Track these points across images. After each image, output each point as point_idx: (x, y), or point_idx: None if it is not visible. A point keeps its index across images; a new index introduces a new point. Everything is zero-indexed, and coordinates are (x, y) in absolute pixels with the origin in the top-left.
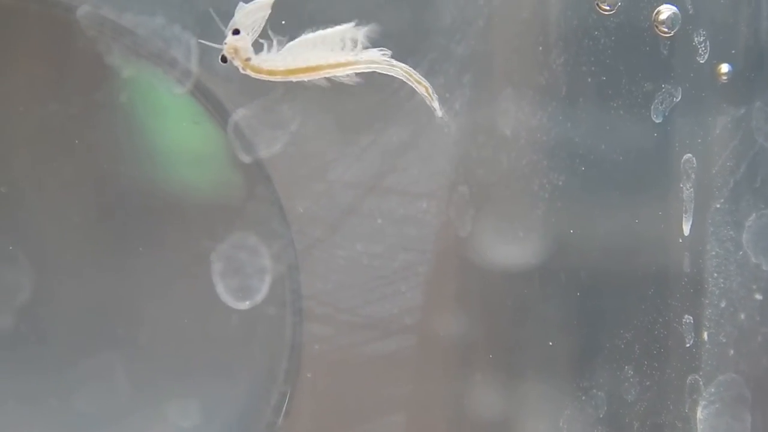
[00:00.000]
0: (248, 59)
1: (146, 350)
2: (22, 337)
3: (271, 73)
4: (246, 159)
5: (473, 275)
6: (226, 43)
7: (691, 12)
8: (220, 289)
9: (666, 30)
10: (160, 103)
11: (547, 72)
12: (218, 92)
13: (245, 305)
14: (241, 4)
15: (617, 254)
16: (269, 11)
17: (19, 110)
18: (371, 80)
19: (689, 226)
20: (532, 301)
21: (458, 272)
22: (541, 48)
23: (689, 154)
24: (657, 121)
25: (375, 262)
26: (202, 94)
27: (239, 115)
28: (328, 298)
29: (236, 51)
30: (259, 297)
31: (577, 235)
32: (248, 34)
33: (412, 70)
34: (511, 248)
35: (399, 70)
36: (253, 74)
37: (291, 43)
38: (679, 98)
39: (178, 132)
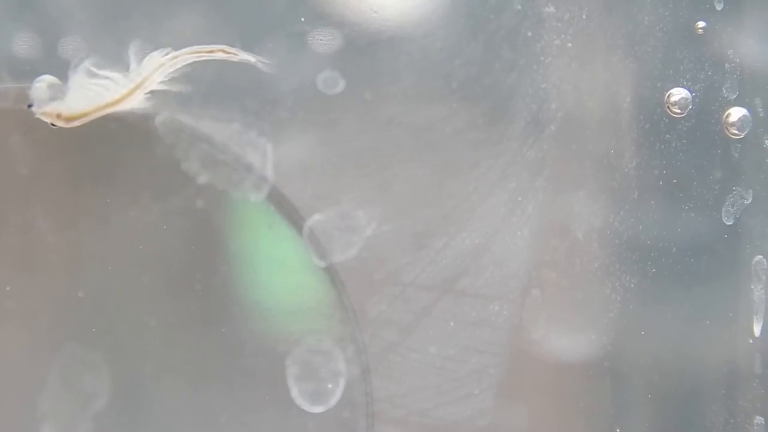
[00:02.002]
0: (59, 114)
1: None
2: None
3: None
4: (320, 264)
5: (546, 377)
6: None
7: (761, 114)
8: (295, 393)
9: (736, 132)
10: (236, 209)
11: (619, 175)
12: (293, 197)
13: (320, 409)
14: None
15: (688, 355)
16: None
17: (99, 217)
18: (445, 184)
19: (760, 328)
20: (604, 402)
21: (531, 375)
22: (613, 152)
23: (760, 256)
24: (728, 223)
25: (448, 364)
26: (277, 199)
27: (314, 220)
28: (402, 401)
29: (58, 115)
30: (333, 400)
31: (648, 337)
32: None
33: (197, 47)
34: (583, 351)
35: (186, 55)
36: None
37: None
38: (750, 200)
39: (253, 237)
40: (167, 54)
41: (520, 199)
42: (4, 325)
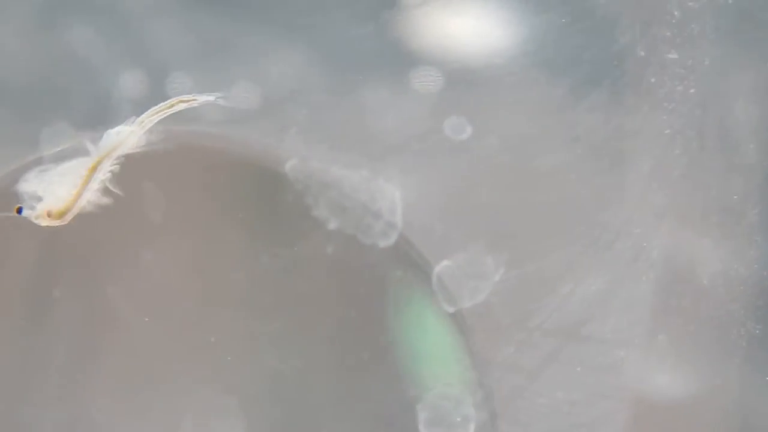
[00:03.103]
0: (49, 212)
1: None
2: None
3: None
4: (449, 309)
5: (674, 422)
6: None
7: None
8: None
9: None
10: (365, 256)
11: (744, 221)
12: (421, 244)
13: None
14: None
15: None
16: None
17: (233, 262)
18: (570, 230)
19: None
20: None
21: (659, 420)
22: (736, 197)
23: None
24: None
25: (575, 409)
26: (405, 245)
27: (442, 266)
28: None
29: (49, 213)
30: None
31: None
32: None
33: (157, 107)
34: (709, 396)
35: (150, 117)
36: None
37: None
38: None
39: (382, 283)
40: (132, 123)
41: (644, 244)
42: (138, 369)
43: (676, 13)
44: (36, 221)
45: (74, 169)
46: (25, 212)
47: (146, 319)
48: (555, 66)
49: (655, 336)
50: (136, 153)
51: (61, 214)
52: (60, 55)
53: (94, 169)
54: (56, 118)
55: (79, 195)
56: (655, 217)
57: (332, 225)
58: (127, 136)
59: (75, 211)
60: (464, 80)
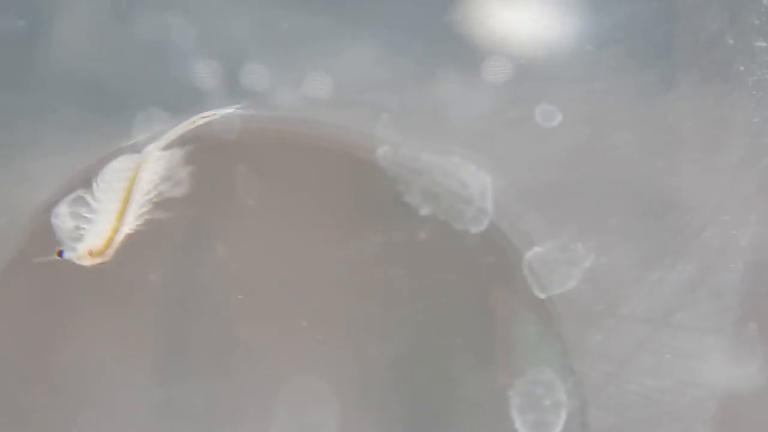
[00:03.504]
0: (90, 252)
1: None
2: None
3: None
4: (540, 296)
5: (764, 410)
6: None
7: None
8: (518, 424)
9: None
10: (456, 242)
11: None
12: (513, 230)
13: None
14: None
15: None
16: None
17: (325, 247)
18: (661, 217)
19: None
20: None
21: (748, 408)
22: None
23: None
24: None
25: (665, 397)
26: (497, 231)
27: (533, 252)
28: None
29: (90, 252)
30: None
31: None
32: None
33: (178, 127)
34: None
35: (170, 137)
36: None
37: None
38: None
39: (473, 269)
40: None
41: (734, 232)
42: (231, 353)
43: (765, 1)
44: (79, 262)
45: (107, 201)
46: (67, 254)
47: (240, 296)
48: (644, 54)
49: (745, 323)
50: (228, 140)
51: (102, 252)
52: (135, 47)
53: (126, 200)
54: (136, 108)
55: (116, 229)
56: (744, 205)
57: (424, 211)
58: (148, 158)
59: (115, 245)
60: (555, 68)
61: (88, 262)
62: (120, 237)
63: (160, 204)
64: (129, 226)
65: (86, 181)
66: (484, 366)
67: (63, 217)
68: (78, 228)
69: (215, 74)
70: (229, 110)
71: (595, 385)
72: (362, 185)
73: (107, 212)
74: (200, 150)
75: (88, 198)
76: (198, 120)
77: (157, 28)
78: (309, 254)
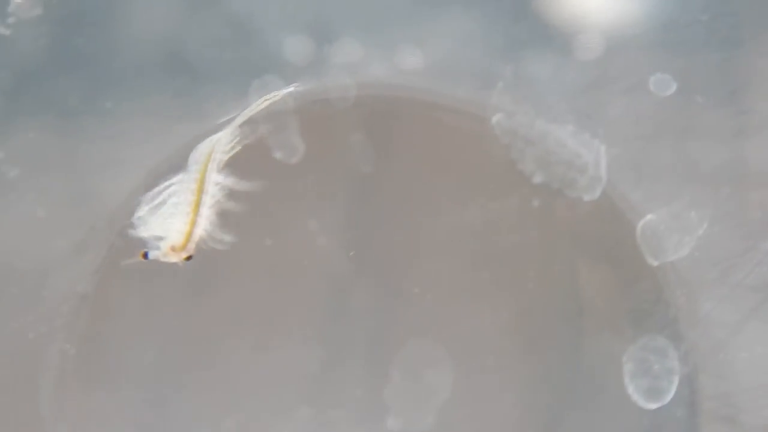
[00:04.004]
0: (173, 247)
1: None
2: None
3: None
4: (653, 263)
5: None
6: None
7: None
8: (631, 390)
9: None
10: (570, 210)
11: None
12: (627, 197)
13: (654, 406)
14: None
15: None
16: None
17: (439, 214)
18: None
19: None
20: None
21: None
22: None
23: None
24: None
25: None
26: (610, 200)
27: (647, 219)
28: (731, 400)
29: (173, 248)
30: (668, 398)
31: None
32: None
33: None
34: None
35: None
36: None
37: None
38: None
39: (587, 237)
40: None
41: None
42: (344, 322)
43: None
44: (166, 260)
45: (182, 196)
46: (152, 254)
47: (351, 253)
48: (758, 24)
49: None
50: (343, 108)
51: (185, 246)
52: (226, 22)
53: (200, 190)
54: (228, 87)
55: (194, 222)
56: None
57: (537, 179)
58: (217, 144)
59: (196, 238)
60: (670, 38)
61: (174, 258)
62: (200, 230)
63: (234, 194)
64: (207, 218)
65: (174, 166)
66: (597, 332)
67: (144, 216)
68: (160, 224)
69: (307, 49)
70: (290, 89)
71: (706, 352)
72: (476, 153)
73: (184, 205)
74: (315, 118)
75: (164, 193)
76: (262, 103)
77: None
78: (422, 221)
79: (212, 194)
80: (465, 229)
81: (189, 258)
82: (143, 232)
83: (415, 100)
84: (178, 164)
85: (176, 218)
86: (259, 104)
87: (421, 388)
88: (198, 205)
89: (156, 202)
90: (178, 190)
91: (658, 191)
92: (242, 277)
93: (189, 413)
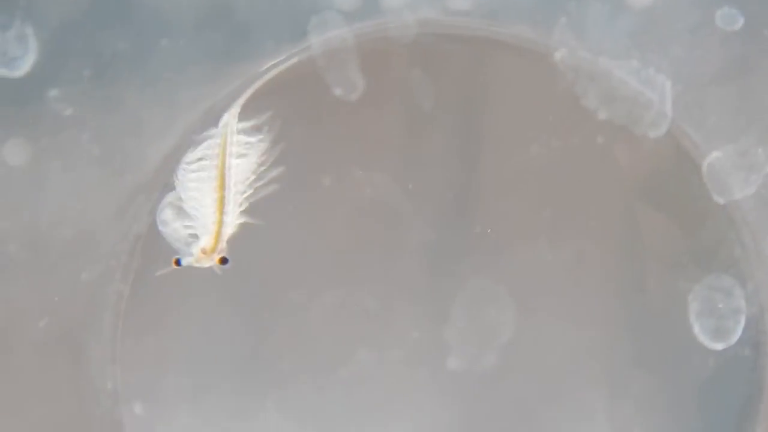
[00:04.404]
0: (203, 249)
1: (622, 389)
2: (504, 373)
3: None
4: (720, 201)
5: None
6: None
7: None
8: (697, 330)
9: None
10: (635, 146)
11: None
12: (692, 134)
13: (720, 346)
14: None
15: None
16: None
17: (501, 153)
18: None
19: None
20: None
21: None
22: None
23: None
24: None
25: None
26: (676, 136)
27: (713, 157)
28: None
29: (204, 251)
30: (734, 338)
31: None
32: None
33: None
34: None
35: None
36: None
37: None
38: None
39: (652, 174)
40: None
41: None
42: (407, 260)
43: None
44: (199, 265)
45: (203, 191)
46: (184, 261)
47: (410, 186)
48: None
49: None
50: (404, 45)
51: (215, 248)
52: None
53: (222, 186)
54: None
55: (221, 222)
56: None
57: (602, 115)
58: (228, 135)
59: (225, 237)
60: None
61: (207, 262)
62: (228, 228)
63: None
64: (233, 214)
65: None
66: (663, 271)
67: (169, 222)
68: (186, 227)
69: None
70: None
71: None
72: (539, 90)
73: (207, 205)
74: (375, 55)
75: (184, 195)
76: (264, 78)
77: None
78: (482, 159)
79: (236, 184)
80: (527, 167)
81: (224, 261)
82: (170, 237)
83: (476, 38)
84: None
85: (201, 218)
86: (248, 92)
87: (482, 327)
88: (222, 202)
89: (179, 200)
90: (199, 188)
91: (724, 128)
92: (300, 217)
93: (243, 355)
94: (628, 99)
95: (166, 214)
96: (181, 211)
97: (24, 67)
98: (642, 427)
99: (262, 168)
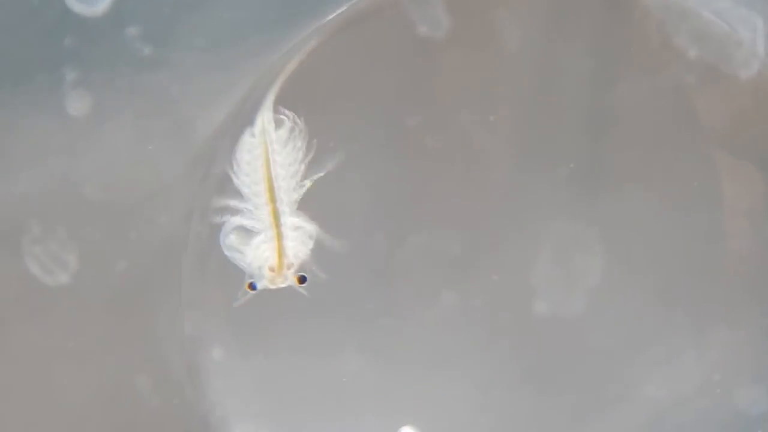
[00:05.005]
0: (271, 268)
1: (707, 336)
2: (589, 319)
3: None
4: None
5: None
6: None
7: None
8: None
9: None
10: (725, 84)
11: None
12: None
13: None
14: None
15: None
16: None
17: (588, 93)
18: None
19: None
20: None
21: None
22: None
23: None
24: None
25: None
26: (767, 76)
27: None
28: None
29: (272, 269)
30: None
31: None
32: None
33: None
34: None
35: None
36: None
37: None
38: None
39: (743, 114)
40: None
41: None
42: (483, 202)
43: None
44: (273, 286)
45: (258, 209)
46: (259, 285)
47: (492, 118)
48: None
49: None
50: None
51: (281, 264)
52: None
53: (272, 200)
54: None
55: (279, 235)
56: None
57: (692, 54)
58: (268, 142)
59: (291, 251)
60: None
61: (283, 282)
62: (291, 243)
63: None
64: (290, 224)
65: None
66: (749, 216)
67: (235, 247)
68: (251, 250)
69: None
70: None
71: None
72: (628, 28)
73: (262, 218)
74: None
75: (241, 219)
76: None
77: None
78: (572, 98)
79: (286, 192)
80: (615, 107)
81: (302, 280)
82: (239, 261)
83: None
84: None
85: (260, 236)
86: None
87: (569, 272)
88: (275, 215)
89: (235, 232)
90: (253, 204)
91: None
92: (382, 158)
93: (323, 297)
94: (718, 38)
95: (231, 240)
96: (246, 233)
97: (103, 3)
98: (727, 373)
99: (306, 161)
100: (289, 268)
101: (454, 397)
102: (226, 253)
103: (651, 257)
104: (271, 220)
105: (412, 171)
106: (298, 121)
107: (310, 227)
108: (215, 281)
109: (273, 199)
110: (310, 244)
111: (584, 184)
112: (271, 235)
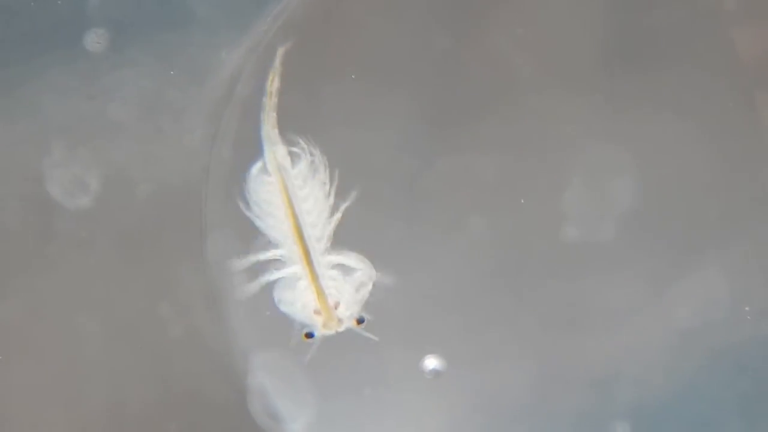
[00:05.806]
0: (316, 311)
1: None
2: (621, 243)
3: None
4: None
5: None
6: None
7: None
8: None
9: None
10: (764, 11)
11: None
12: None
13: None
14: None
15: None
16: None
17: (625, 17)
18: None
19: None
20: None
21: None
22: None
23: None
24: None
25: None
26: None
27: None
28: None
29: (317, 312)
30: None
31: None
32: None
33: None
34: None
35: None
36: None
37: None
38: None
39: None
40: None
41: None
42: (516, 124)
43: None
44: (327, 331)
45: (290, 257)
46: (317, 333)
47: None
48: None
49: None
50: None
51: (326, 305)
52: None
53: (304, 245)
54: None
55: (314, 275)
56: None
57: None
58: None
59: (330, 290)
60: None
61: (337, 326)
62: (327, 281)
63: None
64: (324, 263)
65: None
66: None
67: (284, 301)
68: (298, 297)
69: None
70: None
71: None
72: None
73: (295, 261)
74: None
75: (278, 270)
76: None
77: None
78: (605, 22)
79: (313, 227)
80: (653, 30)
81: (360, 321)
82: (293, 313)
83: None
84: None
85: (295, 286)
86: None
87: (601, 195)
88: (308, 258)
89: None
90: (279, 246)
91: None
92: (415, 81)
93: (349, 223)
94: None
95: (278, 294)
96: (292, 281)
97: None
98: (758, 304)
99: (333, 192)
100: (336, 307)
101: (480, 325)
102: (282, 309)
103: (684, 183)
104: (303, 261)
105: (442, 93)
106: (314, 151)
107: (353, 260)
108: (237, 205)
109: (301, 237)
110: (359, 276)
111: (618, 107)
112: (308, 276)
